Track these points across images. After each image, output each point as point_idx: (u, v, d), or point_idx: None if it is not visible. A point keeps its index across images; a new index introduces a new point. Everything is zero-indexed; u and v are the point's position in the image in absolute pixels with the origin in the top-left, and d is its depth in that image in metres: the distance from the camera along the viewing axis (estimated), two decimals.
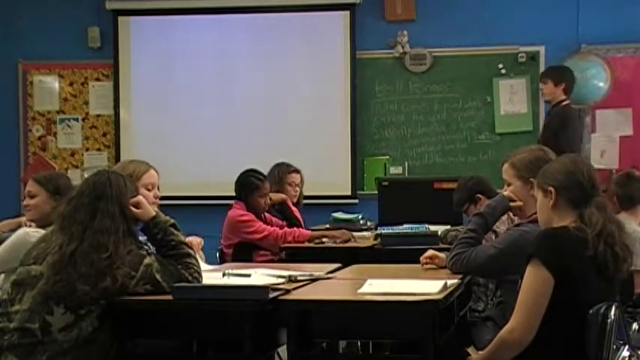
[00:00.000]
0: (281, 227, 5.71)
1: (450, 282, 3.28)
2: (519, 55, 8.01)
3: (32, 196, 4.12)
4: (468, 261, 3.61)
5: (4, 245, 3.91)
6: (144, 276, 3.18)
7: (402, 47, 8.17)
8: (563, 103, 7.09)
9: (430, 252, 3.92)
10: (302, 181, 6.33)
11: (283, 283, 3.41)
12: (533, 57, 8.03)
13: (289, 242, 5.46)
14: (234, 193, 5.75)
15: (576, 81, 7.34)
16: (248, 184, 5.65)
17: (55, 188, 4.09)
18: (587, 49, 7.90)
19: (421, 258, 3.90)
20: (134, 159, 4.05)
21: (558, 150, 6.91)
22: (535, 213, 3.36)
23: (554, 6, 8.00)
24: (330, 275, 3.75)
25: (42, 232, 3.63)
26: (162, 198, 4.01)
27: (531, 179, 3.49)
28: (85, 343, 3.14)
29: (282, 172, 6.23)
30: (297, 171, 6.30)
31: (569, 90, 7.12)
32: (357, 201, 8.09)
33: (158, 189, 3.94)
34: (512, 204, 3.68)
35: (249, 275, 3.56)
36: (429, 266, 3.86)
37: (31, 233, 3.81)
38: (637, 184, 4.85)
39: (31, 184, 4.18)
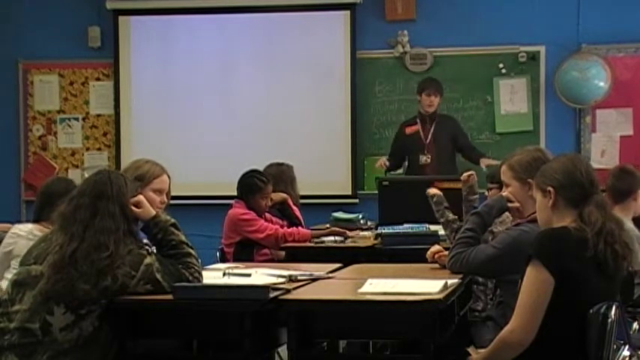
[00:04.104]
0: (281, 227, 5.71)
1: (450, 282, 3.28)
2: (519, 55, 8.01)
3: None
4: (467, 261, 3.61)
5: None
6: (144, 276, 3.18)
7: (403, 47, 8.17)
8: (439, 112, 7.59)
9: (436, 247, 3.96)
10: None
11: (283, 283, 3.41)
12: (534, 57, 8.03)
13: (290, 242, 5.46)
14: (234, 193, 5.74)
15: (576, 81, 7.33)
16: (251, 185, 5.64)
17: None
18: (587, 49, 7.89)
19: (428, 254, 3.96)
20: (150, 159, 3.96)
21: None
22: (533, 213, 3.36)
23: (554, 6, 7.99)
24: (330, 275, 3.75)
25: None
26: None
27: (529, 180, 3.48)
28: (85, 343, 3.14)
29: (293, 175, 6.23)
30: None
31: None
32: (357, 201, 8.10)
33: (167, 196, 3.89)
34: (509, 204, 3.68)
35: (249, 275, 3.56)
36: (435, 265, 3.87)
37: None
38: (629, 178, 4.86)
39: None
